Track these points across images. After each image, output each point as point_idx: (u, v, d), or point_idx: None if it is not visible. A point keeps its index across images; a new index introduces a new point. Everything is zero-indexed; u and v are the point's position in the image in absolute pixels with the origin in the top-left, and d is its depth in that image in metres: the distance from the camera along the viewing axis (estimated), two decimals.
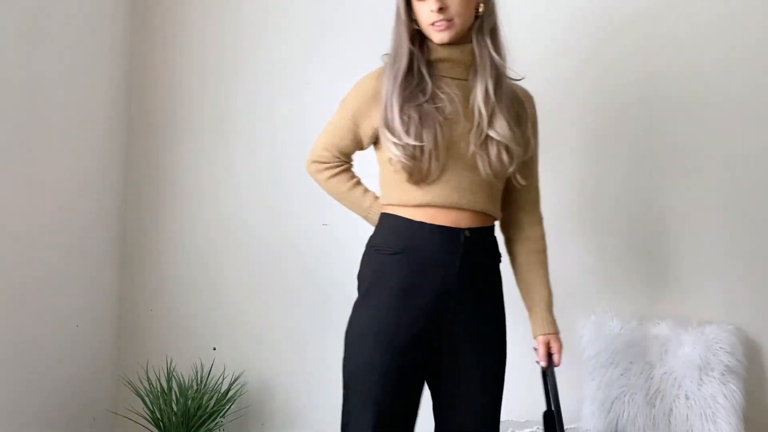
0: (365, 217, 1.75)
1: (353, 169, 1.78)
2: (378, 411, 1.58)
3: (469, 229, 1.62)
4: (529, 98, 1.74)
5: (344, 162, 1.75)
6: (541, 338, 1.72)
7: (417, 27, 1.63)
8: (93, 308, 2.49)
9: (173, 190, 2.61)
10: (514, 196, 1.73)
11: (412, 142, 1.56)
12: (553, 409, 1.68)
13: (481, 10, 1.62)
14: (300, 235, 2.53)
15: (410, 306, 1.60)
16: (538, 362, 1.73)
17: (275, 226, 2.54)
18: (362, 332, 1.63)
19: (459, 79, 1.64)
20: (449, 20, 1.58)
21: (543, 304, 1.74)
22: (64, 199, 2.34)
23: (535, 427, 2.24)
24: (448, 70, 1.65)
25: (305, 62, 2.55)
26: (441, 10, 1.56)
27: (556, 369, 1.76)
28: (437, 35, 1.60)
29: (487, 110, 1.61)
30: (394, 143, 1.58)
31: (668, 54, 2.34)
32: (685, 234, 2.33)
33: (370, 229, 1.73)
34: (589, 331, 2.27)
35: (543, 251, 1.77)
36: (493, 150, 1.60)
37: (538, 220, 1.78)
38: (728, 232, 2.31)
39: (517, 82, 1.72)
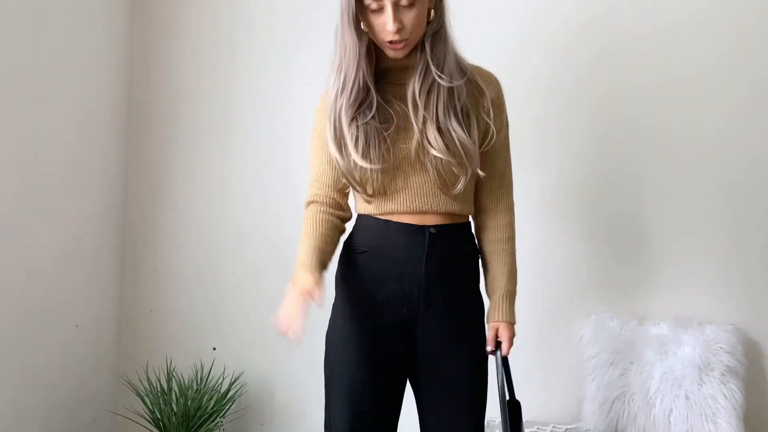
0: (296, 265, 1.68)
1: (341, 228, 1.71)
2: (354, 410, 1.59)
3: (435, 226, 1.60)
4: (492, 81, 1.67)
5: (329, 202, 1.68)
6: (491, 324, 1.67)
7: (365, 29, 1.55)
8: (93, 308, 2.49)
9: (173, 190, 2.61)
10: (480, 182, 1.69)
11: (360, 163, 1.55)
12: (514, 399, 1.64)
13: (431, 17, 1.57)
14: (300, 235, 2.52)
15: (378, 303, 1.61)
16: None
17: (275, 225, 2.54)
18: (335, 331, 1.67)
19: (403, 84, 1.61)
20: (405, 40, 1.53)
21: (500, 292, 1.67)
22: (64, 198, 2.34)
23: (535, 428, 2.24)
24: (394, 78, 1.62)
25: (305, 62, 2.55)
26: (399, 31, 1.50)
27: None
28: (392, 53, 1.56)
29: (417, 120, 1.56)
30: (343, 164, 1.57)
31: (666, 55, 2.34)
32: (685, 234, 2.33)
33: None
34: (589, 331, 2.27)
35: (508, 239, 1.70)
36: (434, 160, 1.57)
37: (506, 206, 1.71)
38: (728, 233, 2.31)
39: (480, 67, 1.67)
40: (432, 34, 1.57)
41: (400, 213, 1.61)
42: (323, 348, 2.45)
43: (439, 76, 1.56)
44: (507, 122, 1.70)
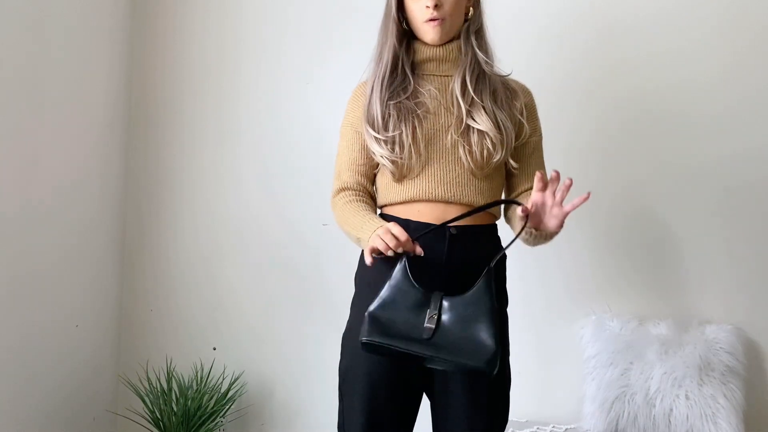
0: (358, 239, 1.61)
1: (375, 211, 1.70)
2: (368, 413, 1.57)
3: (456, 227, 1.59)
4: (526, 91, 1.75)
5: (363, 189, 1.69)
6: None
7: (406, 27, 1.67)
8: (93, 308, 2.49)
9: (173, 190, 2.61)
10: (512, 183, 1.73)
11: (390, 134, 1.60)
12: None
13: (469, 15, 1.68)
14: (300, 235, 2.53)
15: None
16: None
17: (275, 226, 2.54)
18: (351, 333, 1.64)
19: (444, 75, 1.67)
20: (442, 18, 1.61)
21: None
22: (64, 198, 2.34)
23: (535, 428, 2.24)
24: (434, 69, 1.68)
25: (306, 62, 2.55)
26: (436, 6, 1.59)
27: None
28: (430, 32, 1.63)
29: (465, 101, 1.62)
30: (375, 138, 1.61)
31: (670, 56, 2.34)
32: (685, 234, 2.33)
33: None
34: (589, 331, 2.27)
35: None
36: (473, 138, 1.61)
37: None
38: (728, 233, 2.31)
39: (516, 78, 1.75)
40: (475, 31, 1.67)
41: (423, 202, 1.60)
42: (323, 348, 2.46)
43: (488, 64, 1.66)
44: (540, 131, 1.75)
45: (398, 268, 1.50)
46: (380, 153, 1.61)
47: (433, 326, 1.43)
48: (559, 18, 2.41)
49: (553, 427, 2.25)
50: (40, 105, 2.21)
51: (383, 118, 1.62)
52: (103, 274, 2.55)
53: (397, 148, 1.60)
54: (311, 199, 2.52)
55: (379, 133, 1.61)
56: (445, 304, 1.46)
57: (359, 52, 2.50)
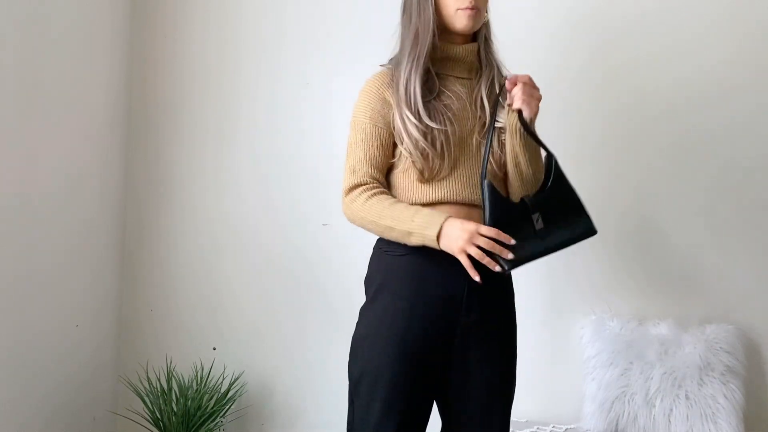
0: (409, 232, 1.54)
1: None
2: (384, 414, 1.57)
3: None
4: None
5: (381, 184, 1.63)
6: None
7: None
8: (93, 308, 2.49)
9: (173, 190, 2.61)
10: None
11: (433, 124, 1.57)
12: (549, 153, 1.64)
13: (486, 18, 1.69)
14: (300, 235, 2.53)
15: (419, 309, 1.58)
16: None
17: (275, 225, 2.54)
18: (371, 335, 1.61)
19: (463, 77, 1.67)
20: (477, 9, 1.61)
21: None
22: (64, 198, 2.34)
23: (535, 428, 2.24)
24: (452, 69, 1.67)
25: (305, 62, 2.55)
26: None
27: None
28: (464, 21, 1.61)
29: (491, 103, 1.64)
30: (415, 125, 1.57)
31: (668, 57, 2.34)
32: (685, 234, 2.33)
33: None
34: (589, 331, 2.27)
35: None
36: (495, 139, 1.63)
37: None
38: (728, 232, 2.31)
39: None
40: (489, 36, 1.71)
41: (449, 204, 1.59)
42: (323, 348, 2.47)
43: (500, 73, 1.69)
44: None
45: (488, 194, 1.52)
46: (415, 142, 1.56)
47: (543, 225, 1.54)
48: (567, 21, 2.40)
49: (553, 427, 2.25)
50: (40, 105, 2.21)
51: (423, 106, 1.58)
52: (103, 274, 2.55)
53: (430, 139, 1.57)
54: (311, 199, 2.52)
55: (419, 122, 1.57)
56: (537, 202, 1.56)
57: (358, 52, 2.51)
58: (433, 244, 1.52)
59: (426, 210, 1.56)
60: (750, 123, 2.30)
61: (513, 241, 1.49)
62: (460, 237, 1.49)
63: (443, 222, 1.51)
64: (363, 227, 1.63)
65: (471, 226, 1.49)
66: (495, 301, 1.65)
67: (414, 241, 1.54)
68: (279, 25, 2.58)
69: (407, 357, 1.57)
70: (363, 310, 1.67)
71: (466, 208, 1.60)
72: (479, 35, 1.69)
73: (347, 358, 2.48)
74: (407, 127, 1.58)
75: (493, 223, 1.50)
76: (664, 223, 2.35)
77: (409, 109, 1.58)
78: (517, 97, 1.56)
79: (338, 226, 2.50)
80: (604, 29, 2.39)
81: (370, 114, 1.64)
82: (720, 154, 2.32)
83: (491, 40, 1.71)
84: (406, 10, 1.67)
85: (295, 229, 2.54)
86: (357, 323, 1.67)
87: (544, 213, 1.55)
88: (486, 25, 1.70)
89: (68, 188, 2.36)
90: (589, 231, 1.60)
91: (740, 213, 2.30)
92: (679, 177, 2.33)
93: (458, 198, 1.60)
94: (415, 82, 1.60)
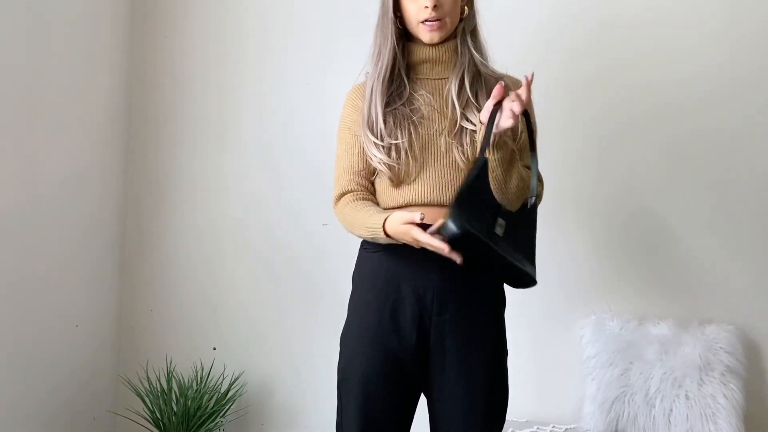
0: (371, 233, 1.59)
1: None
2: (365, 411, 1.58)
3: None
4: (519, 85, 1.70)
5: (366, 189, 1.68)
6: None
7: (401, 26, 1.65)
8: (93, 308, 2.49)
9: (173, 190, 2.61)
10: None
11: (394, 141, 1.59)
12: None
13: (464, 14, 1.66)
14: (300, 235, 2.53)
15: (390, 305, 1.60)
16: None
17: (275, 226, 2.55)
18: (348, 331, 1.66)
19: (437, 78, 1.66)
20: (441, 19, 1.60)
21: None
22: (64, 198, 2.34)
23: (535, 428, 2.24)
24: (428, 71, 1.67)
25: (305, 63, 2.55)
26: (435, 7, 1.58)
27: None
28: (428, 34, 1.61)
29: (460, 103, 1.62)
30: (375, 143, 1.61)
31: (669, 55, 2.35)
32: (685, 234, 2.33)
33: None
34: (589, 331, 2.28)
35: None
36: (466, 139, 1.60)
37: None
38: (728, 232, 2.31)
39: (510, 75, 1.71)
40: (470, 31, 1.66)
41: (421, 205, 1.59)
42: (323, 348, 2.46)
43: (483, 65, 1.66)
44: (529, 129, 1.63)
45: (476, 170, 1.47)
46: (378, 158, 1.61)
47: (503, 232, 1.46)
48: (554, 17, 2.41)
49: (553, 427, 2.25)
50: (40, 105, 2.21)
51: (384, 123, 1.61)
52: (103, 274, 2.55)
53: (394, 154, 1.60)
54: (311, 199, 2.52)
55: (378, 139, 1.61)
56: (509, 214, 1.50)
57: (360, 51, 2.50)
58: (384, 237, 1.55)
59: (374, 213, 1.58)
60: (750, 123, 2.30)
61: (458, 260, 1.43)
62: (405, 235, 1.49)
63: (383, 223, 1.53)
64: (352, 233, 1.68)
65: (409, 233, 1.47)
66: (473, 300, 1.61)
67: (379, 240, 1.58)
68: (279, 25, 2.58)
69: (380, 353, 1.58)
70: (349, 303, 1.72)
71: (437, 208, 1.58)
72: (458, 29, 1.66)
73: None
74: (370, 148, 1.62)
75: (464, 188, 1.44)
76: (665, 223, 2.35)
77: (371, 130, 1.63)
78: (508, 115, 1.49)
79: (338, 227, 2.49)
80: (593, 25, 2.39)
81: (349, 125, 1.69)
82: (720, 154, 2.32)
83: (476, 39, 1.67)
84: (377, 23, 1.69)
85: (295, 229, 2.54)
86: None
87: (508, 227, 1.48)
88: (468, 19, 1.66)
89: (69, 188, 2.36)
90: (530, 280, 1.49)
91: (740, 213, 2.30)
92: (679, 177, 2.33)
93: (428, 200, 1.60)
94: (376, 102, 1.63)
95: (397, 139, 1.60)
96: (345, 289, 2.49)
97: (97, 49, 2.49)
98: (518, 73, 1.76)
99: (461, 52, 1.65)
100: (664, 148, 2.35)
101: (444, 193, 1.60)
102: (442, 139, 1.62)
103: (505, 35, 2.39)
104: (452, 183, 1.60)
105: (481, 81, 1.65)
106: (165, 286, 2.60)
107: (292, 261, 2.54)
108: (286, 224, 2.54)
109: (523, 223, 1.54)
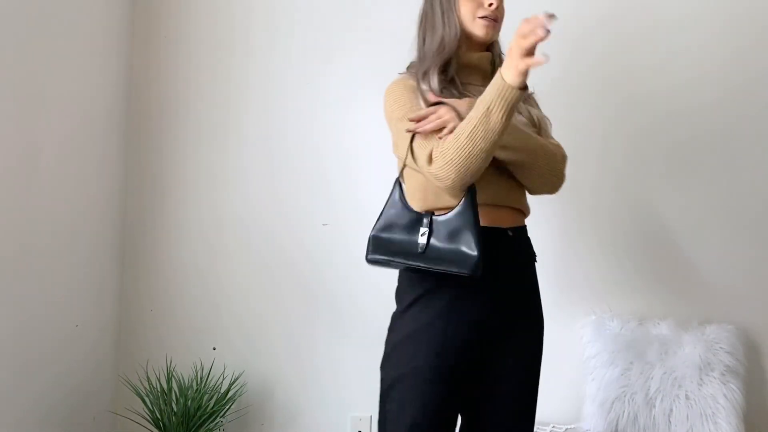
0: (488, 109, 1.45)
1: None
2: (420, 415, 1.56)
3: (511, 228, 1.64)
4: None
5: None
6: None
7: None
8: (93, 308, 2.49)
9: (173, 190, 2.61)
10: None
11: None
12: None
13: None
14: (300, 235, 2.53)
15: (459, 313, 1.58)
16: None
17: (275, 226, 2.54)
18: (410, 339, 1.60)
19: (477, 85, 1.68)
20: (496, 19, 1.65)
21: None
22: (64, 198, 2.34)
23: (535, 427, 2.24)
24: (468, 76, 1.68)
25: (305, 63, 2.55)
26: (497, 7, 1.63)
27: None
28: (484, 30, 1.64)
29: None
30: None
31: (670, 56, 2.35)
32: (685, 234, 2.33)
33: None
34: (589, 331, 2.28)
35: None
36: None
37: None
38: (728, 232, 2.31)
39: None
40: (500, 51, 1.73)
41: (480, 206, 1.55)
42: (323, 348, 2.47)
43: None
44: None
45: (394, 192, 1.62)
46: None
47: (425, 242, 1.54)
48: (573, 23, 2.40)
49: (553, 427, 2.25)
50: (40, 104, 2.21)
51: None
52: (103, 274, 2.55)
53: None
54: (312, 199, 2.52)
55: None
56: (435, 220, 1.56)
57: (360, 51, 2.51)
58: (511, 88, 1.43)
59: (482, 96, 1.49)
60: (751, 125, 2.30)
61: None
62: (512, 59, 1.42)
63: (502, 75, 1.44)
64: (469, 165, 1.48)
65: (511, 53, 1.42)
66: (528, 300, 1.68)
67: (501, 106, 1.44)
68: (280, 25, 2.58)
69: (445, 362, 1.57)
70: (397, 317, 1.66)
71: (496, 210, 1.61)
72: (493, 47, 1.72)
73: (347, 358, 2.49)
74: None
75: (382, 219, 1.61)
76: (665, 223, 2.35)
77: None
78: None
79: (338, 226, 2.50)
80: (610, 31, 2.39)
81: (407, 97, 1.63)
82: (720, 155, 2.32)
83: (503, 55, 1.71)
84: (427, 18, 1.69)
85: (295, 229, 2.54)
86: (391, 328, 1.66)
87: (432, 231, 1.55)
88: (497, 41, 1.72)
89: (68, 188, 2.35)
90: (466, 274, 1.50)
91: (741, 213, 2.30)
92: (679, 177, 2.34)
93: (488, 200, 1.59)
94: (435, 88, 1.62)
95: None
96: (345, 288, 2.51)
97: (97, 48, 2.49)
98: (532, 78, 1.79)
99: (496, 65, 1.68)
100: (664, 148, 2.35)
101: (501, 193, 1.62)
102: None
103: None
104: (508, 185, 1.64)
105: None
106: (165, 286, 2.60)
107: (292, 261, 2.54)
108: (287, 224, 2.54)
109: (456, 219, 1.54)
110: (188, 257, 2.59)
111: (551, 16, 1.36)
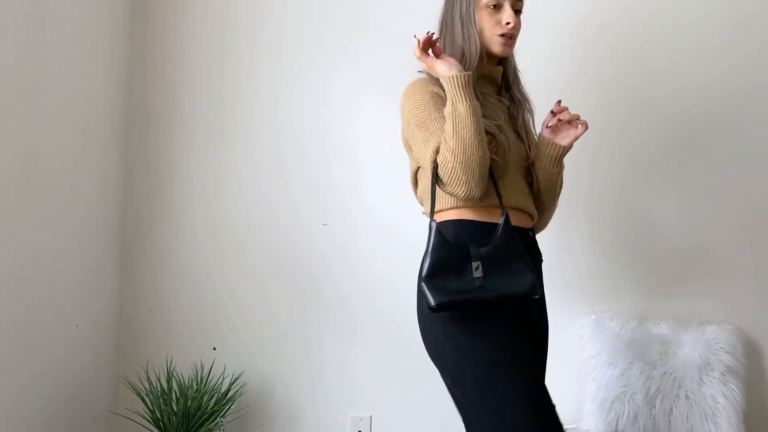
0: (455, 86, 1.56)
1: None
2: (533, 388, 1.61)
3: (531, 229, 1.71)
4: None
5: None
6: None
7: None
8: (93, 308, 2.49)
9: (173, 190, 2.61)
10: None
11: (494, 123, 1.63)
12: None
13: None
14: (300, 235, 2.53)
15: (511, 317, 1.59)
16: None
17: (275, 226, 2.55)
18: (479, 336, 1.58)
19: (490, 95, 1.72)
20: (512, 36, 1.68)
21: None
22: (64, 198, 2.34)
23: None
24: (483, 87, 1.72)
25: (306, 63, 2.55)
26: (514, 26, 1.67)
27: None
28: (501, 47, 1.69)
29: (529, 135, 1.76)
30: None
31: (669, 56, 2.35)
32: (685, 234, 2.33)
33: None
34: (589, 331, 2.28)
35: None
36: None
37: None
38: (728, 232, 2.31)
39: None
40: (515, 65, 1.80)
41: (510, 208, 1.63)
42: (323, 348, 2.47)
43: (521, 91, 1.80)
44: None
45: (433, 235, 1.55)
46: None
47: (482, 275, 1.52)
48: (555, 17, 2.41)
49: None
50: (40, 105, 2.21)
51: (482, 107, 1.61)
52: (103, 274, 2.55)
53: (494, 142, 1.61)
54: (312, 199, 2.52)
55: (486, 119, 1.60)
56: (482, 252, 1.55)
57: (360, 52, 2.51)
58: (453, 77, 1.57)
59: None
60: (751, 125, 2.30)
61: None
62: (433, 69, 1.61)
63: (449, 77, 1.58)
64: (467, 159, 1.54)
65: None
66: (542, 301, 1.75)
67: (459, 94, 1.56)
68: (279, 26, 2.58)
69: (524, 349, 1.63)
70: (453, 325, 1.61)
71: (518, 212, 1.66)
72: (507, 59, 1.76)
73: (347, 358, 2.49)
74: None
75: (432, 262, 1.53)
76: (665, 223, 2.35)
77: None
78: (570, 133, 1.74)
79: (338, 226, 2.50)
80: (607, 26, 2.39)
81: (429, 102, 1.64)
82: (721, 155, 2.32)
83: (518, 71, 1.79)
84: (447, 27, 1.71)
85: (294, 229, 2.54)
86: (456, 335, 1.61)
87: (485, 263, 1.54)
88: (512, 54, 1.77)
89: (68, 188, 2.35)
90: (529, 291, 1.54)
91: (740, 213, 2.30)
92: (679, 177, 2.34)
93: (510, 203, 1.64)
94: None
95: (498, 125, 1.64)
96: (344, 288, 2.51)
97: (97, 48, 2.49)
98: (530, 78, 1.82)
99: (514, 74, 1.77)
100: (664, 148, 2.35)
101: (520, 196, 1.68)
102: (513, 149, 1.68)
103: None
104: (524, 190, 1.71)
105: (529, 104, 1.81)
106: (165, 286, 2.60)
107: (292, 261, 2.54)
108: (286, 224, 2.54)
109: (501, 247, 1.56)
110: (188, 257, 2.59)
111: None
